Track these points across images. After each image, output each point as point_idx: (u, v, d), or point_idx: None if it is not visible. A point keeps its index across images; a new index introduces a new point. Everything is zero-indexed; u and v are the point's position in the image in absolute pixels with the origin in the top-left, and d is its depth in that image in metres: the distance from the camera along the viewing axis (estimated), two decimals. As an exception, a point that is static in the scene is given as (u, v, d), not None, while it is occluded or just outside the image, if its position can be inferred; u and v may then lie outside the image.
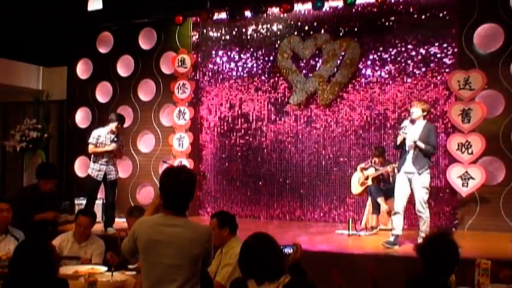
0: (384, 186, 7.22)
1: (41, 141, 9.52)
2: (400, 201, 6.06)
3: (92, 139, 7.24)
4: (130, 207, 5.58)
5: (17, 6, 8.87)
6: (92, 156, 7.32)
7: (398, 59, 8.20)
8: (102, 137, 7.24)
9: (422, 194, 5.95)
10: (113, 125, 7.28)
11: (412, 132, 5.98)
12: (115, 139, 7.26)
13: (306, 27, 8.78)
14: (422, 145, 5.89)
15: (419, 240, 5.91)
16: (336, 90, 8.49)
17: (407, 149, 6.01)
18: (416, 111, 6.00)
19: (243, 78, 9.18)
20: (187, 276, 2.84)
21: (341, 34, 8.54)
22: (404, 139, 6.00)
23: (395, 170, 6.81)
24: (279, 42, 8.92)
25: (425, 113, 6.06)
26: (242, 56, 9.22)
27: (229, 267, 3.82)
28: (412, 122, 6.05)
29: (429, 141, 5.92)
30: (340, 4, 8.34)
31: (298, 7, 8.57)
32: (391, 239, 6.10)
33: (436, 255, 3.03)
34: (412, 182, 5.97)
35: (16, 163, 9.98)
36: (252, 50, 9.16)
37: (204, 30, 9.45)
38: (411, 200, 6.20)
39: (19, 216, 5.21)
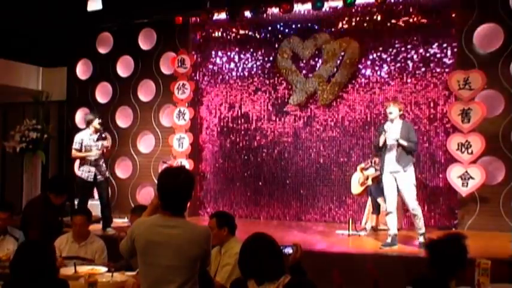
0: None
1: (40, 142, 9.51)
2: (391, 200, 6.10)
3: (75, 144, 7.27)
4: (134, 205, 5.58)
5: (17, 6, 8.87)
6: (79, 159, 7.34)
7: (398, 59, 8.20)
8: (86, 140, 7.26)
9: (411, 192, 5.99)
10: (95, 124, 7.30)
11: (392, 131, 6.04)
12: (102, 135, 7.29)
13: (306, 27, 8.78)
14: (405, 143, 5.95)
15: (420, 239, 5.96)
16: (336, 90, 8.49)
17: (388, 149, 6.05)
18: (395, 110, 6.10)
19: (243, 79, 9.19)
20: (186, 277, 2.83)
21: (341, 34, 8.54)
22: (385, 140, 6.05)
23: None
24: (278, 42, 8.92)
25: (401, 112, 6.18)
26: (242, 56, 9.22)
27: (229, 267, 3.82)
28: (391, 121, 6.12)
29: (410, 138, 6.00)
30: (340, 4, 8.33)
31: (298, 7, 8.56)
32: (389, 240, 6.12)
33: (443, 254, 3.10)
34: (398, 180, 6.01)
35: (16, 164, 9.98)
36: (251, 50, 9.16)
37: (204, 31, 9.45)
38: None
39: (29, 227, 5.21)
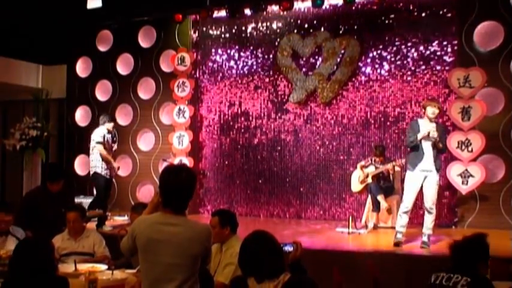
0: (383, 184, 7.22)
1: (40, 140, 9.52)
2: (412, 198, 6.01)
3: (100, 138, 7.27)
4: (134, 203, 5.57)
5: (17, 4, 8.87)
6: (99, 155, 7.31)
7: (398, 56, 8.19)
8: (106, 136, 7.37)
9: (435, 192, 5.97)
10: (109, 125, 7.43)
11: (431, 131, 5.95)
12: (114, 138, 7.50)
13: (306, 25, 8.76)
14: (440, 144, 5.91)
15: (424, 238, 5.95)
16: (336, 88, 8.48)
17: (424, 147, 5.94)
18: (437, 111, 5.98)
19: (243, 76, 9.17)
20: (187, 275, 2.83)
21: (341, 32, 8.53)
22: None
23: (406, 167, 6.56)
24: (278, 40, 8.91)
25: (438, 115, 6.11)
26: (242, 54, 9.21)
27: (232, 267, 3.78)
28: (430, 121, 5.98)
29: (443, 141, 5.99)
30: (340, 2, 8.33)
31: (298, 5, 8.57)
32: (399, 236, 6.06)
33: (470, 253, 3.21)
34: (428, 179, 5.93)
35: (16, 162, 9.98)
36: (251, 48, 9.15)
37: (204, 28, 9.45)
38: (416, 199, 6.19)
39: (26, 220, 5.18)
